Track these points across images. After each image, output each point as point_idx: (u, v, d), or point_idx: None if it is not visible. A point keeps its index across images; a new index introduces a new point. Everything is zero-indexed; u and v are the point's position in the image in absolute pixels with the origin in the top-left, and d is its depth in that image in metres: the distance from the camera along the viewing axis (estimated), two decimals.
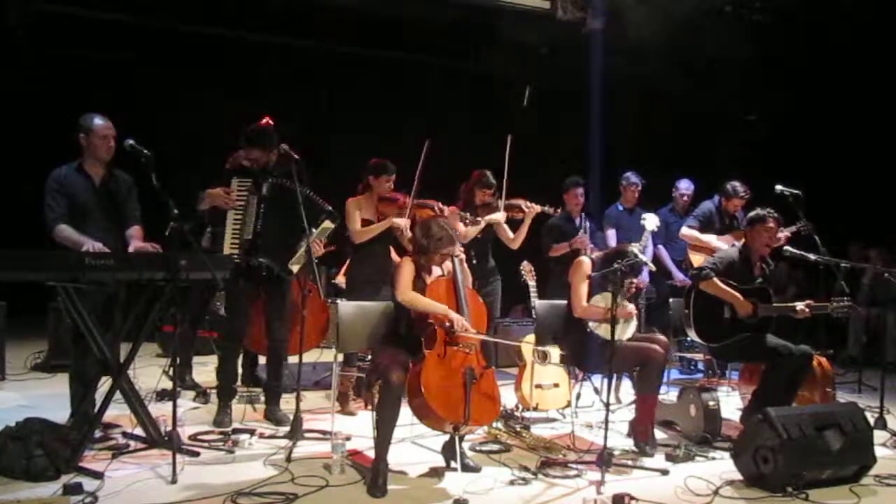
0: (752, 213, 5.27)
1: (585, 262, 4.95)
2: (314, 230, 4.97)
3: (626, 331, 4.85)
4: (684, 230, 6.87)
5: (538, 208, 6.03)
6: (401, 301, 4.24)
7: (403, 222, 5.52)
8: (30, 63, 8.15)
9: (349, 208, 5.63)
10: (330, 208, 5.09)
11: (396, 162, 5.70)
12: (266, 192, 4.98)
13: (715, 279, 5.01)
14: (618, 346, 4.67)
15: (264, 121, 5.42)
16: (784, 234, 5.93)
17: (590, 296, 4.88)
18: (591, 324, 4.85)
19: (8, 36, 7.78)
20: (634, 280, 4.94)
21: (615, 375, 5.61)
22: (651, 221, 5.86)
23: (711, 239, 6.71)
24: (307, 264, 5.00)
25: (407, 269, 4.29)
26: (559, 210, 6.41)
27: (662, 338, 4.98)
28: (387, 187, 5.66)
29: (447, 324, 4.11)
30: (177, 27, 8.55)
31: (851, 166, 8.63)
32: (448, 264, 4.40)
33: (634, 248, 4.82)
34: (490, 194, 5.97)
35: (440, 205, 5.68)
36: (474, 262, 5.55)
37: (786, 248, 5.54)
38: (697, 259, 6.61)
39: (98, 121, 4.56)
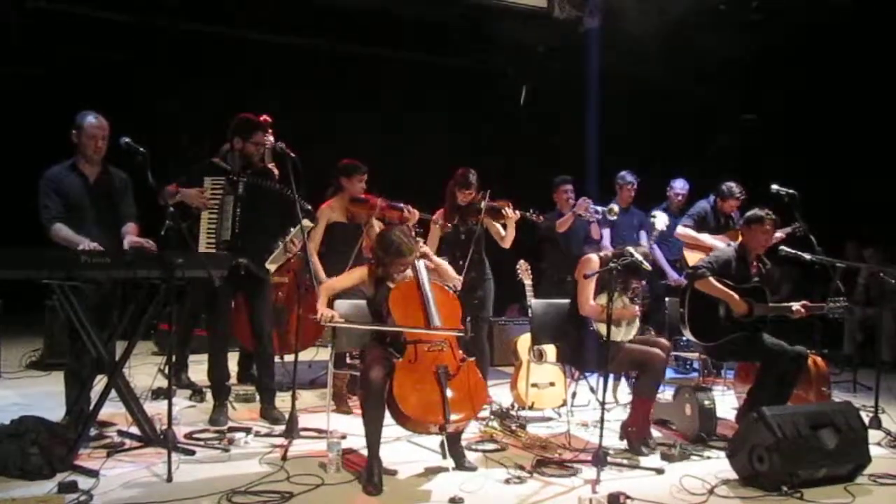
0: (749, 213, 5.28)
1: (593, 259, 4.92)
2: (292, 229, 4.97)
3: (630, 332, 4.85)
4: (680, 229, 6.88)
5: (517, 214, 5.86)
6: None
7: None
8: (28, 62, 8.14)
9: (318, 216, 5.62)
10: (309, 207, 5.07)
11: (393, 161, 5.69)
12: (242, 191, 4.97)
13: (710, 278, 5.02)
14: (620, 346, 4.69)
15: (263, 118, 5.40)
16: (779, 235, 5.93)
17: (597, 294, 4.88)
18: (594, 322, 4.85)
19: (6, 34, 7.76)
20: (639, 283, 4.94)
21: (613, 375, 5.62)
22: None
23: (707, 238, 6.70)
24: (303, 264, 5.00)
25: (353, 273, 4.50)
26: (541, 216, 6.36)
27: (665, 341, 4.98)
28: (359, 187, 5.65)
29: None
30: (177, 27, 8.54)
31: (848, 165, 8.64)
32: (413, 263, 4.40)
33: (639, 250, 4.81)
34: (469, 194, 5.85)
35: (410, 208, 5.64)
36: (461, 262, 5.51)
37: (781, 247, 5.54)
38: (694, 258, 6.61)
39: (90, 119, 4.56)
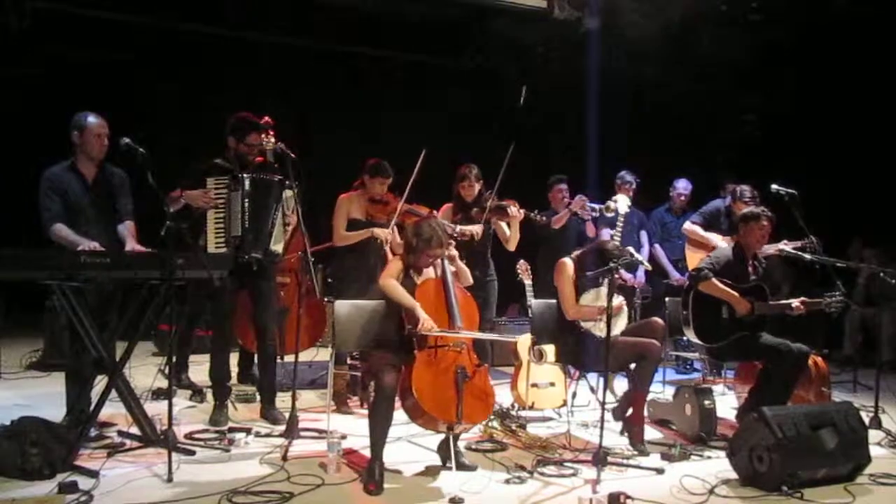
0: (745, 211, 5.29)
1: (567, 263, 4.98)
2: (277, 206, 4.99)
3: (617, 325, 4.88)
4: (687, 225, 6.82)
5: (521, 214, 5.87)
6: (380, 284, 4.29)
7: (384, 233, 5.52)
8: (28, 62, 8.14)
9: (338, 206, 5.64)
10: (285, 180, 5.00)
11: (392, 162, 5.70)
12: (249, 187, 4.97)
13: (714, 279, 5.03)
14: (614, 342, 4.69)
15: (264, 119, 5.40)
16: (783, 247, 5.88)
17: (579, 293, 4.90)
18: (584, 323, 4.88)
19: (6, 35, 7.76)
20: (625, 277, 4.97)
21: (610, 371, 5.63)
22: (623, 203, 5.80)
23: (715, 238, 6.62)
24: (304, 264, 5.00)
25: (395, 264, 4.36)
26: (544, 218, 6.37)
27: (659, 320, 5.00)
28: (380, 190, 5.64)
29: (413, 321, 4.11)
30: (177, 27, 8.54)
31: (848, 166, 8.64)
32: (438, 261, 4.40)
33: (614, 238, 4.86)
34: (469, 186, 5.87)
35: (431, 212, 5.64)
36: (464, 261, 5.52)
37: (781, 247, 5.54)
38: (694, 257, 6.58)
39: (92, 119, 4.58)
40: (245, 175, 4.96)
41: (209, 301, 5.40)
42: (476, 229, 5.79)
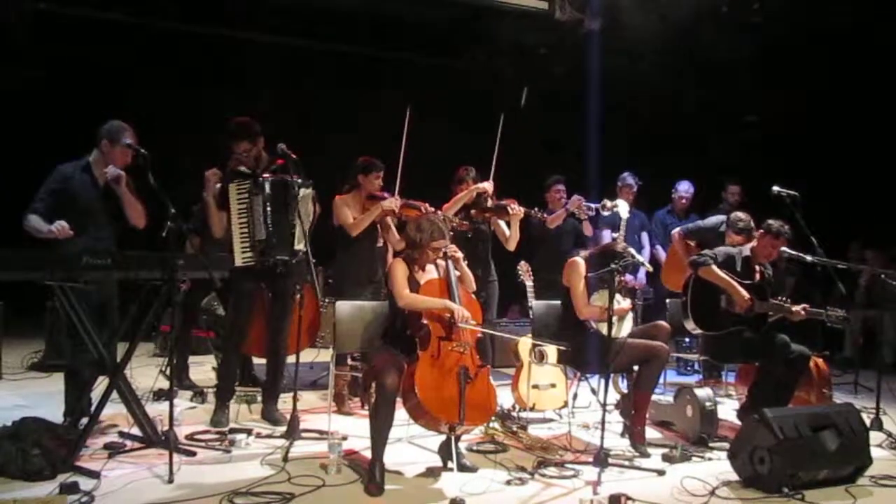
0: (772, 222, 5.22)
1: (580, 262, 4.97)
2: (295, 205, 4.97)
3: (624, 327, 4.91)
4: (674, 231, 6.74)
5: (521, 212, 5.94)
6: (402, 307, 4.23)
7: (393, 203, 5.54)
8: (29, 63, 8.14)
9: (338, 205, 5.65)
10: (300, 180, 4.98)
11: (392, 161, 5.71)
12: (269, 190, 4.97)
13: (713, 266, 5.04)
14: (621, 343, 4.70)
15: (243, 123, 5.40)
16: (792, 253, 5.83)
17: (589, 293, 4.91)
18: (593, 323, 4.88)
19: (7, 36, 7.76)
20: (626, 279, 4.98)
21: (614, 373, 5.63)
22: (623, 208, 5.84)
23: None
24: (305, 264, 5.00)
25: (400, 271, 4.30)
26: (544, 215, 6.39)
27: (664, 324, 5.00)
28: (377, 185, 5.67)
29: (447, 315, 4.12)
30: (177, 27, 8.55)
31: (850, 167, 8.64)
32: (442, 264, 4.40)
33: (619, 245, 4.87)
34: (465, 188, 5.94)
35: (428, 206, 5.67)
36: (466, 261, 5.53)
37: (782, 248, 5.54)
38: (670, 271, 6.50)
39: (128, 137, 4.55)
40: (265, 178, 4.97)
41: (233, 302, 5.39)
42: (486, 185, 5.91)
